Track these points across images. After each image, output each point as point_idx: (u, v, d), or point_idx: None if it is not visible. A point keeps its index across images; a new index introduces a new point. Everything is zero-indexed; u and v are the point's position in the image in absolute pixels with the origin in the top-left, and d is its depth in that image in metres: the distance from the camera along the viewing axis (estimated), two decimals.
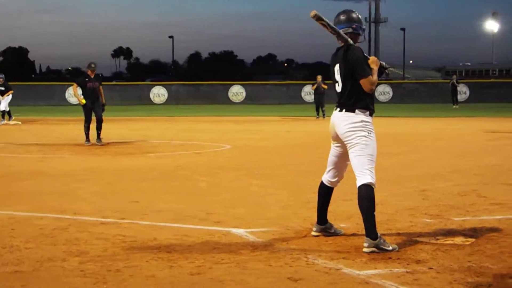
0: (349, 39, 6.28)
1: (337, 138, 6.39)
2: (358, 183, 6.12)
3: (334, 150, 6.53)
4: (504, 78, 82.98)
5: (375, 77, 6.22)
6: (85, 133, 17.30)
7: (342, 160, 6.50)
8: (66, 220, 7.54)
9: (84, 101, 17.32)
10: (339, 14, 6.48)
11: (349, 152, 6.24)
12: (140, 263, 5.69)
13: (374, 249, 5.96)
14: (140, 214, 7.90)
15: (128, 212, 7.99)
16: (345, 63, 6.26)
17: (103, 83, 18.26)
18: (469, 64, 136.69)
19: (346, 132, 6.20)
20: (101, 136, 17.40)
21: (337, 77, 6.37)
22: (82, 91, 17.55)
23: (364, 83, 6.17)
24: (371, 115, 6.27)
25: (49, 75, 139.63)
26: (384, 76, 6.91)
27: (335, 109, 6.39)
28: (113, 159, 14.36)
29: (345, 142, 6.25)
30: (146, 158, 14.49)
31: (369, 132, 6.20)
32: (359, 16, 6.52)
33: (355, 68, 6.19)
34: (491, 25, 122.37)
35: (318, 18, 6.12)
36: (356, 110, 6.20)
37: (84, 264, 5.66)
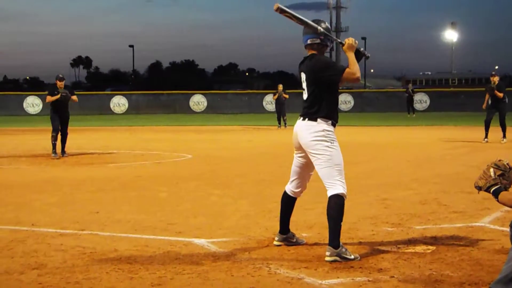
0: (318, 27, 6.22)
1: (300, 148, 6.36)
2: (329, 194, 6.08)
3: (297, 160, 6.50)
4: (463, 87, 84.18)
5: (352, 67, 6.12)
6: (52, 144, 16.45)
7: (305, 170, 6.47)
8: (23, 232, 7.41)
9: (58, 96, 16.44)
10: None
11: (314, 163, 6.20)
12: (100, 274, 5.61)
13: (336, 258, 5.95)
14: (99, 225, 7.81)
15: (87, 223, 7.88)
16: (310, 72, 6.25)
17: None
18: (429, 73, 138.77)
19: (309, 141, 6.16)
20: (65, 148, 16.85)
21: (304, 85, 6.36)
22: (51, 103, 16.74)
23: (346, 77, 6.11)
24: (333, 125, 6.22)
25: (6, 84, 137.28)
26: (364, 59, 6.70)
27: (299, 118, 6.37)
28: (71, 169, 14.19)
29: (308, 152, 6.22)
30: (105, 168, 14.34)
31: (332, 141, 6.16)
32: (328, 26, 6.42)
33: (325, 74, 6.15)
34: (450, 35, 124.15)
35: (282, 11, 6.07)
36: (318, 119, 6.18)
37: (42, 276, 5.56)
